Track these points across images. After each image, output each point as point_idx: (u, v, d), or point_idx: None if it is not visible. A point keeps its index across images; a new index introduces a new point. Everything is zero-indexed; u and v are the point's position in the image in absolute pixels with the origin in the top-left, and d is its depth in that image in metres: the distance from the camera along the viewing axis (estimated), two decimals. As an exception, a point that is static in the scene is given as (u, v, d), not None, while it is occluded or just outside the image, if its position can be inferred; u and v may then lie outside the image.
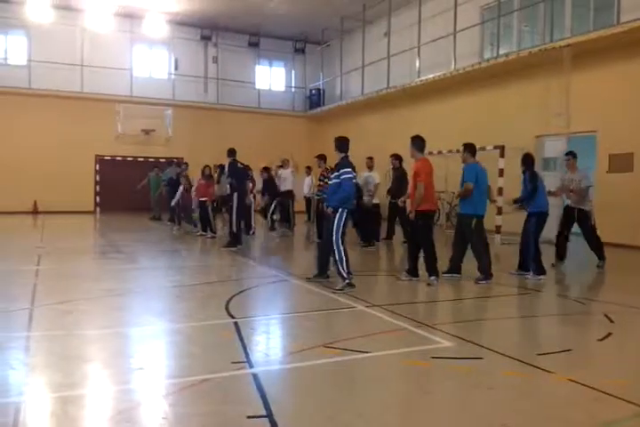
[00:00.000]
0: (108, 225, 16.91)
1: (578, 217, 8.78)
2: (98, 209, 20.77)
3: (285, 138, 22.27)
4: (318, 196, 11.61)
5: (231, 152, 11.18)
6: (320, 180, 11.51)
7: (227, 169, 11.46)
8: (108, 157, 20.76)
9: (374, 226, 11.77)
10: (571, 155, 8.92)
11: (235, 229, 10.75)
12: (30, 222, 17.06)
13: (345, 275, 6.73)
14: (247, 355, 4.17)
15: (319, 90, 23.22)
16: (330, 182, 7.15)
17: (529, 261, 7.83)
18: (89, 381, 3.75)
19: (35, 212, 19.53)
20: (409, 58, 17.39)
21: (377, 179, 11.80)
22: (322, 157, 11.47)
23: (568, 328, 5.42)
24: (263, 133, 22.23)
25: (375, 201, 11.84)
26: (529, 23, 14.78)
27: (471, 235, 7.51)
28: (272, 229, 13.94)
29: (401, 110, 18.32)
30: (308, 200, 16.14)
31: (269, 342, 4.74)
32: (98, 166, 20.81)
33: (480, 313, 6.15)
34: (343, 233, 6.92)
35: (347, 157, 7.10)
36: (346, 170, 6.88)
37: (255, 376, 3.69)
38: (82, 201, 20.26)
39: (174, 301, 6.34)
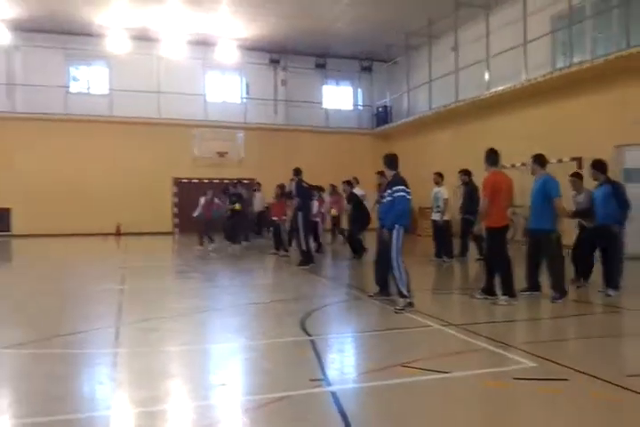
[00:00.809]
0: (186, 245, 17.48)
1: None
2: (176, 230, 21.53)
3: (353, 156, 22.42)
4: None
5: (297, 171, 11.38)
6: (381, 197, 11.51)
7: (293, 188, 11.65)
8: (185, 180, 21.55)
9: (445, 242, 11.60)
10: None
11: (304, 247, 10.87)
12: (114, 244, 17.92)
13: (405, 294, 6.62)
14: (324, 373, 4.20)
15: (386, 107, 23.29)
16: (383, 201, 7.06)
17: (611, 276, 7.46)
18: (172, 396, 3.88)
19: (118, 233, 20.50)
20: (477, 71, 17.16)
21: (445, 194, 11.58)
22: (383, 174, 11.46)
23: (660, 348, 5.11)
24: (331, 152, 22.48)
25: (445, 217, 11.66)
26: (602, 30, 14.27)
27: (551, 250, 7.22)
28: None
29: (471, 124, 18.05)
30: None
31: (346, 361, 4.73)
32: (176, 189, 21.65)
33: (562, 332, 5.91)
34: (402, 252, 6.76)
35: (398, 173, 7.02)
36: (399, 187, 6.78)
37: (334, 394, 3.71)
38: (161, 222, 21.09)
39: (251, 318, 6.47)
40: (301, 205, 10.95)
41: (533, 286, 7.38)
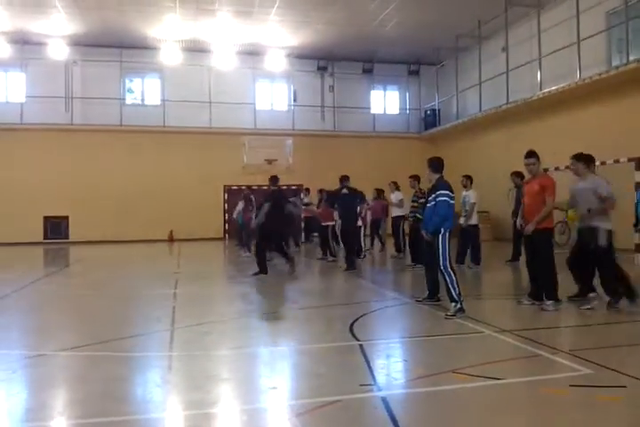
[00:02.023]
0: (235, 251, 17.76)
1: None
2: (227, 236, 21.91)
3: (401, 160, 22.23)
4: (412, 218, 11.41)
5: (343, 178, 11.51)
6: (413, 201, 11.39)
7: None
8: (236, 187, 21.92)
9: (472, 248, 11.24)
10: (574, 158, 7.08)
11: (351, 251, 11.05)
12: (167, 250, 18.39)
13: (456, 298, 6.51)
14: (374, 378, 4.19)
15: (434, 110, 23.08)
16: (428, 205, 6.92)
17: None
18: (225, 399, 3.96)
19: (171, 240, 21.03)
20: (529, 71, 16.81)
21: (473, 198, 11.11)
22: (416, 178, 11.38)
23: None
24: (379, 157, 22.43)
25: (473, 222, 11.18)
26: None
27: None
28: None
29: (523, 126, 17.67)
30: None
31: (396, 366, 4.70)
32: (226, 196, 22.04)
33: (619, 338, 5.68)
34: (450, 256, 6.67)
35: (442, 177, 6.90)
36: (442, 192, 6.67)
37: (384, 400, 3.69)
38: (212, 229, 21.53)
39: (300, 322, 6.52)
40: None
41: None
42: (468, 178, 11.42)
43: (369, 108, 23.97)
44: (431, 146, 22.97)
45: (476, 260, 11.19)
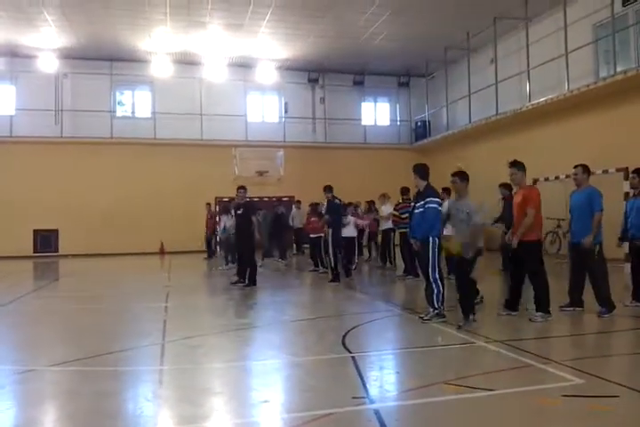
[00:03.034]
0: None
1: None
2: (218, 248, 21.78)
3: (392, 171, 22.25)
4: (401, 229, 11.48)
5: (328, 188, 11.48)
6: (395, 210, 11.66)
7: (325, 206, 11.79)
8: (227, 199, 21.85)
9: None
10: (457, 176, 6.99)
11: (333, 264, 11.03)
12: (158, 262, 18.28)
13: (437, 306, 6.52)
14: (367, 390, 4.17)
15: (424, 121, 23.24)
16: (415, 211, 6.88)
17: None
18: (216, 413, 3.92)
19: (162, 252, 20.91)
20: (517, 83, 16.98)
21: (446, 208, 11.31)
22: (403, 190, 11.61)
23: None
24: (370, 168, 22.46)
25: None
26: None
27: (594, 264, 7.00)
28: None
29: (512, 137, 17.80)
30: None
31: (388, 378, 4.69)
32: (217, 208, 21.96)
33: (610, 348, 5.71)
34: (440, 267, 6.68)
35: (429, 184, 6.90)
36: (432, 199, 6.69)
37: (377, 412, 3.67)
38: (204, 241, 21.38)
39: (292, 335, 6.50)
40: (331, 221, 11.08)
41: (576, 301, 7.15)
42: (446, 191, 11.61)
43: (360, 120, 24.09)
44: (422, 157, 22.96)
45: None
